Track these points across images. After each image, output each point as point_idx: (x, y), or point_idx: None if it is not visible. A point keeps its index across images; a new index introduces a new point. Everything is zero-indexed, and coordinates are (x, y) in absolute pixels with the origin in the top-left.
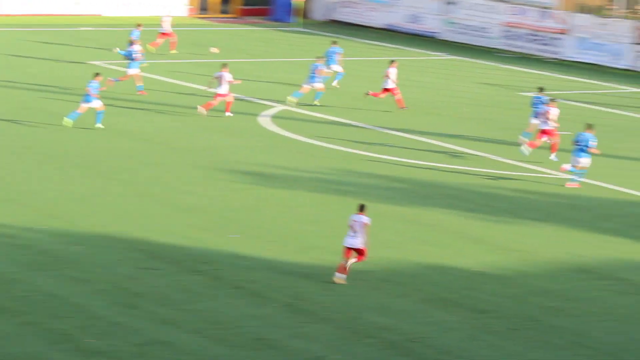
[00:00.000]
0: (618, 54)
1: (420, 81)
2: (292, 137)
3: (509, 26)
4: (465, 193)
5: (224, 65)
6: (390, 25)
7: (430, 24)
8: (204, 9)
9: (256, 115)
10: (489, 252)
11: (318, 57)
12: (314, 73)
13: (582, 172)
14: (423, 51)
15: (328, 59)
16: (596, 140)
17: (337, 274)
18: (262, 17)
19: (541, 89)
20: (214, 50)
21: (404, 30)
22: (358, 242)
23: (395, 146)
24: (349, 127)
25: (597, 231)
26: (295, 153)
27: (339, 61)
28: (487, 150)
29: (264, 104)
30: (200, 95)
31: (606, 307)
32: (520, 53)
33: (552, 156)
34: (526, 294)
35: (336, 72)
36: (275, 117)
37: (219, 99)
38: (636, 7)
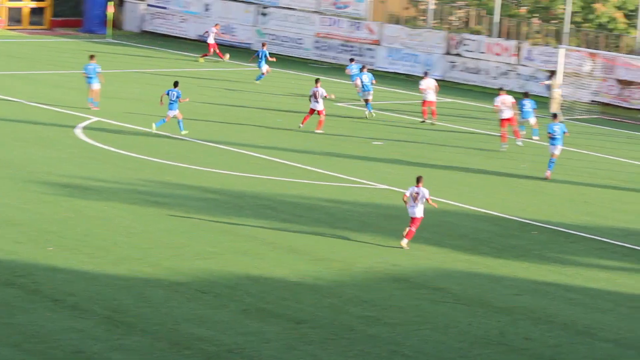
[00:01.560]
0: (430, 64)
1: (234, 92)
2: (106, 148)
3: (322, 37)
4: (279, 203)
5: (317, 80)
6: (203, 37)
7: (244, 35)
8: (15, 20)
9: (70, 127)
10: (305, 262)
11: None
12: (370, 84)
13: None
14: (236, 62)
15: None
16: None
17: (403, 239)
18: (74, 28)
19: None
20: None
21: (217, 41)
22: (417, 212)
23: (209, 157)
24: (162, 138)
25: (411, 240)
26: (109, 164)
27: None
28: (301, 160)
29: (78, 116)
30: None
31: (421, 315)
32: (334, 64)
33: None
34: (343, 304)
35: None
36: (89, 129)
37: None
38: (448, 18)
